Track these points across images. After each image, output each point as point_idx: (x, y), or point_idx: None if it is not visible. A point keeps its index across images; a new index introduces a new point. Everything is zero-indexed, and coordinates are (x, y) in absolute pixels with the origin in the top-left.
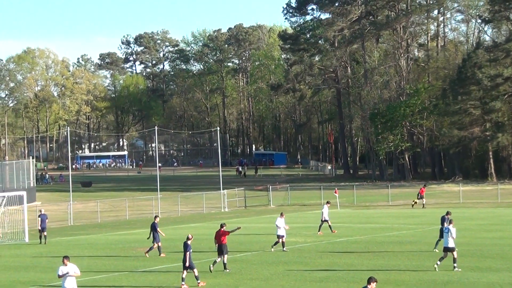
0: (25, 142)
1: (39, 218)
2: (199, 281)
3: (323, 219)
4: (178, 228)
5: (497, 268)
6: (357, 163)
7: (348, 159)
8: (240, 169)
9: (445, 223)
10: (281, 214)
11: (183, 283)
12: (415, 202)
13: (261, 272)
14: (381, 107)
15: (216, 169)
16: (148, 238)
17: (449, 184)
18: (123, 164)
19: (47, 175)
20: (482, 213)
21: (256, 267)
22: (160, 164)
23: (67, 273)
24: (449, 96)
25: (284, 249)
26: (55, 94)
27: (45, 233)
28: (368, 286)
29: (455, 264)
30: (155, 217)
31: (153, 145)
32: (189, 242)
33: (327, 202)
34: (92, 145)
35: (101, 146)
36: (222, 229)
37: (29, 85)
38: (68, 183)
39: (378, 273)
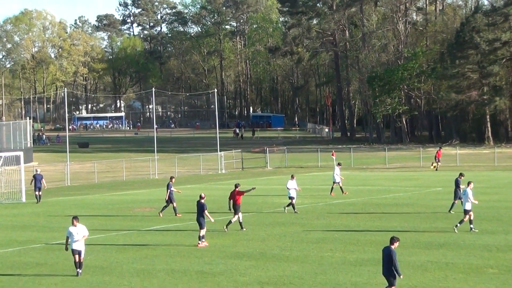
0: (22, 103)
1: (34, 178)
2: (201, 241)
3: (335, 181)
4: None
5: (493, 230)
6: (354, 126)
7: (346, 121)
8: (238, 131)
9: (460, 185)
10: (292, 176)
11: (201, 241)
12: (434, 166)
13: (258, 233)
14: (379, 70)
15: (213, 131)
16: (166, 200)
17: (446, 147)
18: (120, 125)
19: (44, 135)
20: (478, 176)
21: (253, 228)
22: (157, 126)
23: (77, 240)
24: (447, 60)
25: (295, 211)
26: (52, 55)
27: (40, 193)
28: (391, 246)
29: (472, 225)
30: (171, 178)
31: (150, 106)
32: (202, 201)
33: (338, 164)
34: (89, 106)
35: (98, 107)
36: (237, 189)
37: (26, 46)
38: (65, 143)
39: (374, 235)
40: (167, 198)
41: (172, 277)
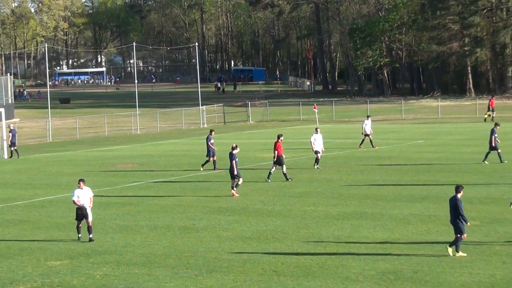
0: (3, 58)
1: (10, 134)
2: (234, 190)
3: (365, 133)
4: (157, 144)
5: (474, 182)
6: (336, 78)
7: (327, 74)
8: (219, 85)
9: (494, 134)
10: (316, 130)
11: (233, 190)
12: (489, 115)
13: (240, 188)
14: (360, 22)
15: (194, 85)
16: (207, 155)
17: (428, 100)
18: (101, 80)
19: (25, 92)
20: (460, 128)
21: None
22: (137, 81)
23: (84, 204)
24: (428, 11)
25: (317, 166)
26: (32, 10)
27: (16, 148)
28: (458, 195)
29: None
30: (211, 131)
31: (131, 61)
32: (234, 151)
33: (368, 116)
34: (70, 61)
35: (79, 62)
36: (279, 140)
37: (6, 1)
38: (46, 99)
39: (357, 188)
40: (213, 150)
41: (155, 232)
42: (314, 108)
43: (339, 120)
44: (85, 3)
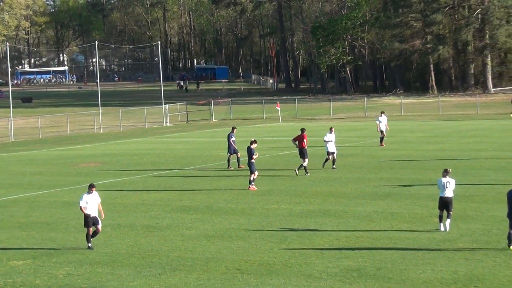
0: None
1: None
2: (252, 185)
3: (380, 130)
4: (120, 143)
5: (437, 179)
6: (299, 76)
7: (290, 72)
8: (182, 83)
9: None
10: (330, 129)
11: (250, 185)
12: None
13: (203, 186)
14: (322, 20)
15: (157, 84)
16: (228, 153)
17: (390, 97)
18: (63, 79)
19: None
20: (423, 125)
21: (199, 181)
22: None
23: (89, 212)
24: (390, 9)
25: (334, 166)
26: None
27: None
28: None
29: None
30: (233, 128)
31: (94, 60)
32: (252, 146)
33: (382, 112)
34: (32, 60)
35: (41, 61)
36: (304, 133)
37: None
38: (8, 99)
39: (320, 186)
40: (235, 147)
41: (119, 231)
42: (277, 106)
43: (302, 118)
44: (47, 2)
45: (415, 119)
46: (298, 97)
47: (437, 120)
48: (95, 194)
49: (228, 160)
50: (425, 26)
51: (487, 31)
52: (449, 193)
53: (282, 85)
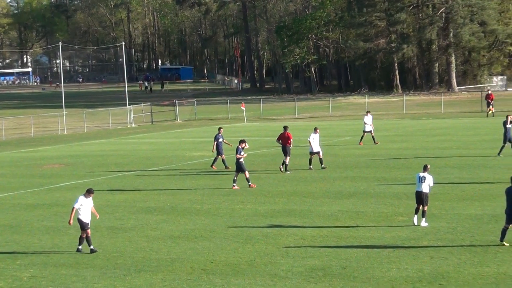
0: None
1: None
2: (250, 183)
3: (366, 130)
4: (84, 144)
5: (402, 178)
6: (264, 76)
7: (255, 72)
8: (146, 84)
9: (507, 125)
10: (315, 129)
11: (234, 184)
12: (490, 109)
13: (168, 187)
14: (287, 20)
15: (121, 84)
16: (212, 151)
17: (355, 96)
18: (27, 81)
19: None
20: (387, 124)
21: (163, 182)
22: (58, 82)
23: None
24: (355, 8)
25: (323, 166)
26: None
27: None
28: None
29: None
30: (219, 128)
31: (58, 61)
32: (240, 146)
33: (368, 112)
34: None
35: (4, 63)
36: (287, 132)
37: None
38: None
39: (285, 185)
40: (213, 150)
41: None
42: (242, 106)
43: (267, 118)
44: (10, 3)
45: (379, 118)
46: (263, 97)
47: (401, 118)
48: (90, 200)
49: (223, 161)
50: (389, 25)
51: (451, 30)
52: (423, 188)
53: (247, 85)
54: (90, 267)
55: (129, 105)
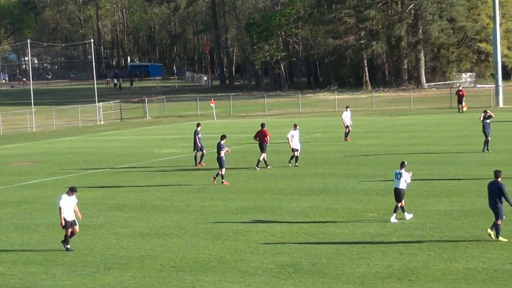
0: None
1: None
2: (223, 180)
3: (346, 125)
4: (53, 142)
5: (372, 174)
6: (233, 73)
7: (224, 69)
8: (116, 81)
9: (485, 120)
10: (295, 126)
11: (223, 180)
12: (462, 106)
13: (138, 184)
14: (256, 17)
15: (91, 81)
16: (194, 151)
17: (325, 93)
18: None
19: None
20: (357, 121)
21: (133, 179)
22: (24, 79)
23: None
24: (324, 5)
25: (296, 163)
26: None
27: None
28: (499, 179)
29: None
30: (198, 124)
31: (26, 58)
32: (221, 142)
33: (347, 107)
34: None
35: None
36: (264, 129)
37: None
38: None
39: (255, 182)
40: (200, 146)
41: (53, 231)
42: (212, 103)
43: (237, 115)
44: None
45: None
46: (233, 94)
47: (371, 115)
48: (74, 197)
49: (195, 158)
50: (358, 22)
51: (420, 27)
52: (399, 184)
53: (216, 82)
54: (59, 264)
55: (98, 102)
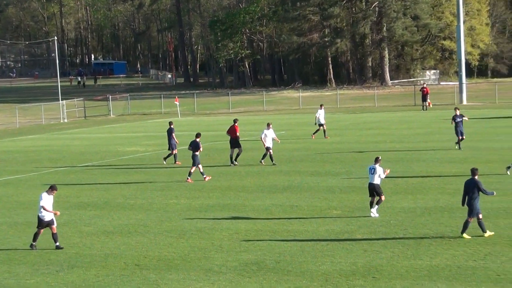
0: None
1: None
2: (189, 178)
3: (319, 123)
4: (16, 140)
5: (336, 172)
6: (197, 71)
7: (188, 67)
8: (80, 79)
9: (457, 117)
10: (268, 125)
11: (189, 177)
12: (428, 104)
13: (102, 182)
14: (220, 14)
15: (54, 79)
16: (169, 149)
17: (289, 91)
18: None
19: None
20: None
21: (97, 177)
22: None
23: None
24: (288, 2)
25: (262, 161)
26: None
27: None
28: (475, 177)
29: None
30: (170, 122)
31: None
32: (197, 140)
33: (321, 105)
34: None
35: None
36: (236, 124)
37: None
38: None
39: (219, 180)
40: (176, 143)
41: (15, 229)
42: (176, 101)
43: (201, 113)
44: None
45: (313, 112)
46: (197, 91)
47: (335, 113)
48: (52, 197)
49: (175, 156)
50: (323, 20)
51: (384, 24)
52: (374, 179)
53: (181, 80)
54: (22, 263)
55: (62, 100)
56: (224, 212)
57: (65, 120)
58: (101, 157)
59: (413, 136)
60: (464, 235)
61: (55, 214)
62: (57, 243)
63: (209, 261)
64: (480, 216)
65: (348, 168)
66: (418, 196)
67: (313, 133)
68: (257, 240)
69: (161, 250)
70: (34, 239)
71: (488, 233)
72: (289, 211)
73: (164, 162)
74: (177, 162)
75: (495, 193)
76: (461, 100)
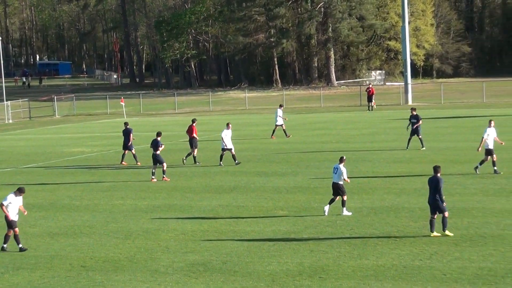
0: None
1: None
2: (164, 176)
3: (278, 124)
4: None
5: (282, 172)
6: (143, 71)
7: (134, 67)
8: (24, 79)
9: (412, 119)
10: (227, 125)
11: (153, 177)
12: (373, 104)
13: (47, 182)
14: (166, 14)
15: None
16: (123, 148)
17: (235, 91)
18: None
19: None
20: (267, 119)
21: (42, 178)
22: None
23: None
24: (234, 3)
25: (236, 162)
26: None
27: None
28: (438, 174)
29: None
30: (126, 124)
31: None
32: (158, 138)
33: (280, 106)
34: None
35: None
36: (194, 124)
37: None
38: None
39: (165, 181)
40: (129, 144)
41: None
42: (121, 101)
43: (147, 113)
44: None
45: (259, 113)
46: (143, 92)
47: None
48: (20, 198)
49: (134, 156)
50: (268, 20)
51: (330, 25)
52: (336, 179)
53: (126, 80)
54: None
55: (6, 101)
56: (170, 213)
57: (10, 121)
58: (47, 158)
59: (359, 136)
60: (434, 233)
61: (23, 213)
62: (20, 245)
63: (156, 262)
64: (436, 216)
65: (294, 168)
66: (364, 196)
67: (286, 135)
68: (204, 241)
69: (107, 251)
70: (5, 241)
71: (434, 234)
72: (236, 212)
73: (125, 163)
74: (123, 163)
75: (445, 204)
76: (406, 101)
